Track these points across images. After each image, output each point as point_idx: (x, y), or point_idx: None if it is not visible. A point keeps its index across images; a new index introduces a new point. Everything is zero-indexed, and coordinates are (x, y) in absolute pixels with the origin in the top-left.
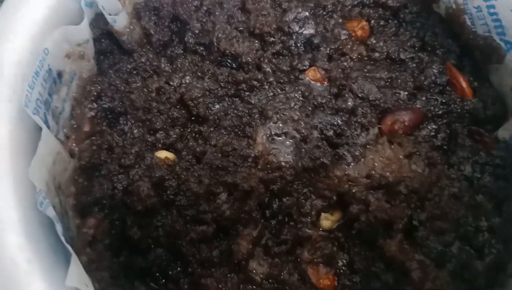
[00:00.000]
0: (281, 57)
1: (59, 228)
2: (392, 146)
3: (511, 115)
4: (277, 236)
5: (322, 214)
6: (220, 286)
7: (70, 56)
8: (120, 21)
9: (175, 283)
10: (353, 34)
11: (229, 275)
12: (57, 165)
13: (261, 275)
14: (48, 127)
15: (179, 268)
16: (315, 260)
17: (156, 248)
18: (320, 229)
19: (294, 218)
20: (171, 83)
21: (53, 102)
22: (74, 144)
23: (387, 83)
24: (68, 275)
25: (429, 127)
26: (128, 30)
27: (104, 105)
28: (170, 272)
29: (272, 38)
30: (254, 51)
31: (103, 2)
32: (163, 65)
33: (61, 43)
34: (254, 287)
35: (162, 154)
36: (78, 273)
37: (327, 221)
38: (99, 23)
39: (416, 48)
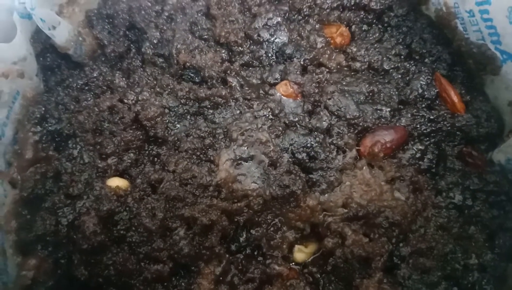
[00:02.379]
0: (250, 68)
1: None
2: (372, 171)
3: (509, 135)
4: (244, 273)
5: (296, 246)
6: None
7: (7, 76)
8: (60, 36)
9: None
10: (331, 41)
11: None
12: None
13: None
14: None
15: None
16: None
17: (107, 288)
18: (293, 262)
19: (263, 251)
20: (126, 100)
21: None
22: (16, 172)
23: (368, 98)
24: None
25: (414, 148)
26: (72, 43)
27: (49, 128)
28: None
29: (240, 48)
30: (219, 63)
31: (41, 14)
32: (117, 80)
33: None
34: None
35: (114, 182)
36: None
37: (301, 253)
38: (41, 37)
39: (402, 57)
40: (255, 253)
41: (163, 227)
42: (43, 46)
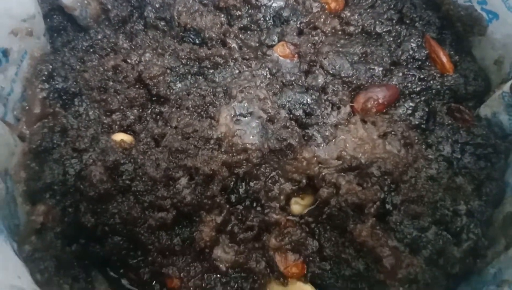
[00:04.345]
0: (248, 32)
1: None
2: (365, 126)
3: (494, 90)
4: (243, 222)
5: (293, 199)
6: (182, 275)
7: (16, 33)
8: None
9: (135, 272)
10: (326, 6)
11: (192, 264)
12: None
13: (226, 264)
14: None
15: (139, 257)
16: (283, 247)
17: (113, 236)
18: (290, 214)
19: (262, 203)
20: (129, 60)
21: None
22: (25, 127)
23: (361, 59)
24: None
25: (405, 105)
26: (79, 4)
27: (57, 85)
28: (129, 261)
29: (238, 12)
30: (219, 25)
31: None
32: (121, 42)
33: (2, 18)
34: (218, 276)
35: (119, 136)
36: (5, 266)
37: (297, 206)
38: None
39: (394, 21)
40: (254, 204)
41: (166, 176)
42: (51, 7)
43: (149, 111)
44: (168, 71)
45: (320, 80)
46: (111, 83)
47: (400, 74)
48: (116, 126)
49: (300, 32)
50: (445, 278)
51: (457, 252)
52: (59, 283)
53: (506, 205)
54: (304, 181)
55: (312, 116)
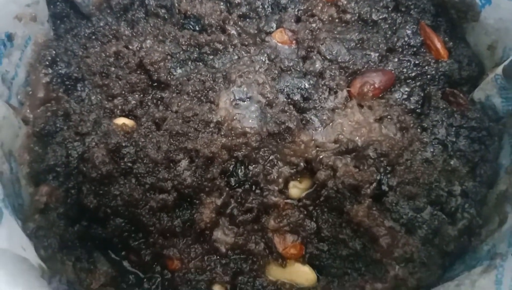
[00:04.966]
0: (247, 19)
1: None
2: (362, 110)
3: (488, 74)
4: (242, 205)
5: (291, 182)
6: (182, 257)
7: (21, 18)
8: None
9: (137, 254)
10: None
11: (192, 245)
12: (4, 130)
13: (226, 245)
14: None
15: (140, 239)
16: (282, 228)
17: (115, 218)
18: (289, 198)
19: (261, 186)
20: (130, 47)
21: (2, 66)
22: (28, 111)
23: (358, 45)
24: None
25: (401, 89)
26: None
27: (60, 71)
28: (131, 243)
29: (237, 0)
30: (218, 12)
31: None
32: (123, 29)
33: (7, 3)
34: (218, 258)
35: (120, 120)
36: (10, 235)
37: (295, 189)
38: None
39: (390, 9)
40: (253, 187)
41: (167, 159)
42: None
43: (150, 96)
44: (169, 57)
45: (318, 65)
46: (113, 68)
47: (396, 60)
48: (118, 111)
49: (298, 20)
50: (441, 257)
51: (452, 231)
52: (62, 260)
53: (500, 185)
54: (302, 164)
55: (310, 101)
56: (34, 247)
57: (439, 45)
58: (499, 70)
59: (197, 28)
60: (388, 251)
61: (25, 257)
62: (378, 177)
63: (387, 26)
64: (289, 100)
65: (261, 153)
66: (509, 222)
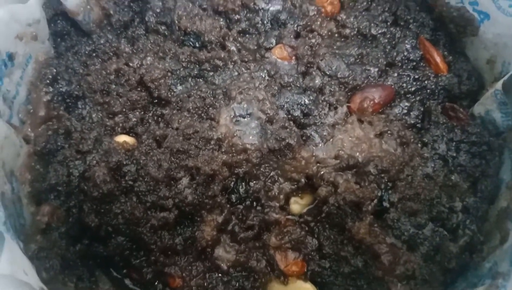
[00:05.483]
0: (247, 35)
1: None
2: (362, 125)
3: (487, 89)
4: (244, 222)
5: (292, 198)
6: (184, 275)
7: (22, 38)
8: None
9: (138, 272)
10: (322, 9)
11: (194, 263)
12: (6, 150)
13: (228, 263)
14: None
15: (142, 257)
16: (283, 245)
17: (116, 236)
18: (290, 213)
19: (262, 202)
20: (131, 64)
21: (3, 86)
22: (30, 130)
23: (357, 60)
24: None
25: (401, 104)
26: (82, 8)
27: (61, 89)
28: (132, 261)
29: (237, 16)
30: (218, 29)
31: None
32: (123, 47)
33: (9, 22)
34: (220, 275)
35: (121, 138)
36: (12, 260)
37: (296, 205)
38: (52, 3)
39: (388, 23)
40: (254, 204)
41: (168, 177)
42: (54, 12)
43: (150, 113)
44: (169, 74)
45: (317, 81)
46: (114, 86)
47: (395, 74)
48: (119, 128)
49: (297, 35)
50: (442, 274)
51: (454, 247)
52: (64, 281)
53: (501, 200)
54: (303, 180)
55: (310, 117)
56: (36, 270)
57: (438, 59)
58: (499, 85)
59: (197, 45)
60: (389, 269)
61: (27, 282)
62: (379, 194)
63: (386, 40)
64: (289, 116)
65: (261, 169)
66: (511, 240)
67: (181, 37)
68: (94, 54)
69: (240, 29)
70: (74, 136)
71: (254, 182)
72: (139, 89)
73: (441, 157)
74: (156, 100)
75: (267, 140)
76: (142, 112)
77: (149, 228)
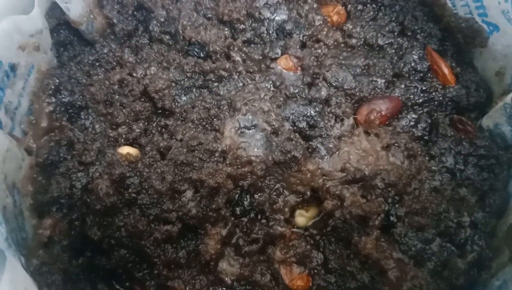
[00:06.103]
0: (252, 45)
1: (1, 230)
2: (369, 138)
3: (496, 101)
4: (248, 235)
5: (297, 211)
6: (188, 288)
7: (24, 48)
8: (74, 9)
9: (141, 285)
10: (328, 19)
11: (197, 277)
12: (8, 163)
13: (232, 277)
14: None
15: (145, 270)
16: (288, 259)
17: (119, 249)
18: (295, 227)
19: (266, 215)
20: (134, 74)
21: (5, 97)
22: (32, 141)
23: (364, 71)
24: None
25: (408, 116)
26: (85, 18)
27: (63, 99)
28: (135, 274)
29: (242, 25)
30: (223, 39)
31: None
32: (127, 56)
33: (12, 33)
34: (224, 289)
35: (124, 150)
36: (13, 279)
37: (302, 218)
38: (55, 13)
39: (395, 33)
40: (259, 217)
41: (172, 189)
42: (57, 22)
43: (154, 124)
44: (173, 84)
45: (323, 92)
46: (117, 96)
47: (403, 86)
48: (122, 139)
49: (303, 45)
50: None
51: (462, 263)
52: None
53: (510, 216)
54: (308, 193)
55: (316, 128)
56: (37, 286)
57: (446, 71)
58: (509, 98)
59: (202, 55)
60: (396, 285)
61: None
62: (386, 208)
63: (393, 51)
64: (295, 127)
65: (266, 181)
66: None
67: (186, 47)
68: (97, 64)
69: (245, 39)
70: (76, 147)
71: (259, 194)
72: (142, 99)
73: (448, 170)
74: (160, 111)
75: (272, 152)
76: (146, 123)
77: (152, 241)
